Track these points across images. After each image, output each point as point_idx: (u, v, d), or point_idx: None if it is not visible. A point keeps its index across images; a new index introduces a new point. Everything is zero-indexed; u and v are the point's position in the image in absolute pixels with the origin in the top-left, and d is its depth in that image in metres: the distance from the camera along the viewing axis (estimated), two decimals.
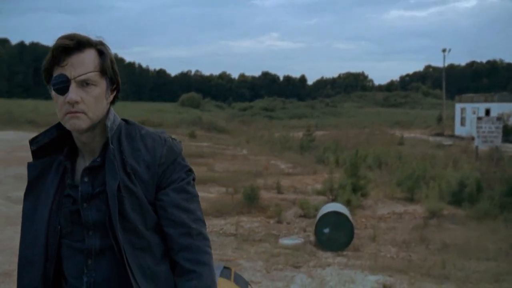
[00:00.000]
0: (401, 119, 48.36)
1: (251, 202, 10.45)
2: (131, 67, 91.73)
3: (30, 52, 73.22)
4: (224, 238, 7.88)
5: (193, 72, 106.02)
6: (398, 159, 17.28)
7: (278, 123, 43.49)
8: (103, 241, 1.45)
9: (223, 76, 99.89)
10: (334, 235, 7.16)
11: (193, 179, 1.57)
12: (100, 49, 1.44)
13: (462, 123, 34.70)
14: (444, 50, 40.85)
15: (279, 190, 12.95)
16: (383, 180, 14.27)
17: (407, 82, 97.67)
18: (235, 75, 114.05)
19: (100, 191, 1.44)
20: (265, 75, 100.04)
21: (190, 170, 1.57)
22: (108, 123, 1.46)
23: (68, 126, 1.41)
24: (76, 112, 1.38)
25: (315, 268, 6.39)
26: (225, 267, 2.84)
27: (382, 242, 7.85)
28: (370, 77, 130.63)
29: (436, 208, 10.03)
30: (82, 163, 1.50)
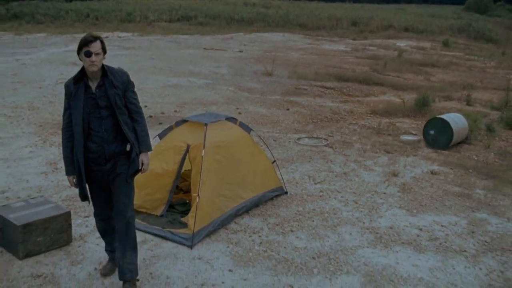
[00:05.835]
0: None
1: (419, 108, 12.39)
2: None
3: None
4: (364, 130, 10.42)
5: None
6: None
7: None
8: (107, 113, 3.98)
9: None
10: (438, 137, 9.03)
11: (133, 87, 4.44)
12: (102, 40, 3.93)
13: None
14: None
15: (468, 102, 14.16)
16: None
17: None
18: None
19: (105, 94, 3.99)
20: None
21: (133, 85, 4.40)
22: (105, 68, 4.32)
23: (90, 69, 3.88)
24: (93, 64, 3.86)
25: (401, 156, 8.60)
26: (232, 117, 5.81)
27: (491, 150, 9.20)
28: None
29: None
30: (91, 84, 3.97)
